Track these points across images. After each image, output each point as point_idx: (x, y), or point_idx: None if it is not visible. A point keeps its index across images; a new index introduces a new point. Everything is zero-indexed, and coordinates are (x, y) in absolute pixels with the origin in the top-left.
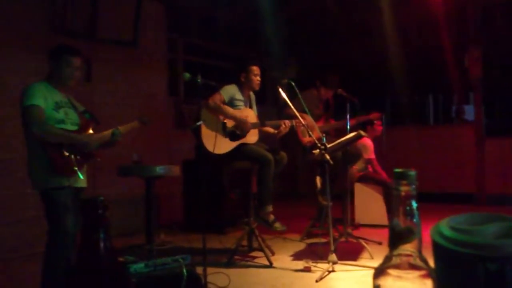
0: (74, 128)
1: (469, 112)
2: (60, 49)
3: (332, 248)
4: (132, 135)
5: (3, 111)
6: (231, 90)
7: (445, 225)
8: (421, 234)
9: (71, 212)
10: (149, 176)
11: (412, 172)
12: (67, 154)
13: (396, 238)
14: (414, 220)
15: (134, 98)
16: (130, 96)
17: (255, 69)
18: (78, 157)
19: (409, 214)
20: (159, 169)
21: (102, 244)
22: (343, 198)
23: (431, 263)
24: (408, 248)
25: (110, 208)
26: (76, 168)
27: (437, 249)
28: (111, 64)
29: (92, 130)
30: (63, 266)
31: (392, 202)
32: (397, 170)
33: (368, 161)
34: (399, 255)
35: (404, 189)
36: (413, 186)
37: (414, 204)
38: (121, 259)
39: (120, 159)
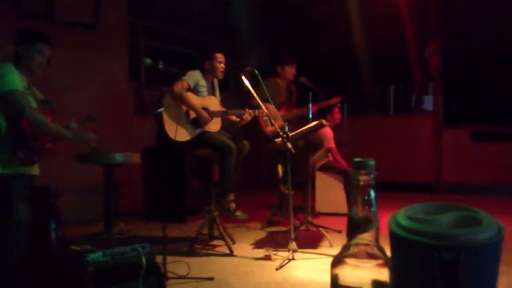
0: None
1: (429, 102)
2: (33, 35)
3: (293, 236)
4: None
5: None
6: (195, 76)
7: (402, 215)
8: (378, 223)
9: (25, 201)
10: (108, 164)
11: (371, 162)
12: (31, 143)
13: (354, 227)
14: (372, 209)
15: (94, 83)
16: (89, 80)
17: (220, 57)
18: (39, 147)
19: (367, 203)
20: (118, 156)
21: (54, 234)
22: (304, 186)
23: (388, 252)
24: (365, 237)
25: (63, 196)
26: (35, 158)
27: (394, 238)
28: (69, 48)
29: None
30: (16, 257)
31: (351, 191)
32: (356, 159)
33: (328, 150)
34: (357, 244)
35: (362, 178)
36: (372, 176)
37: (372, 194)
38: (78, 248)
39: (78, 146)
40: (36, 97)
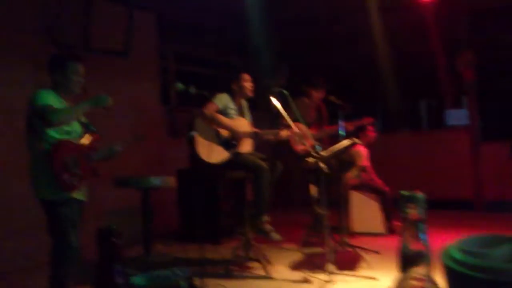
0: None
1: (461, 116)
2: (63, 57)
3: (329, 258)
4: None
5: None
6: (223, 99)
7: (455, 249)
8: (430, 258)
9: (75, 226)
10: (145, 188)
11: (421, 196)
12: (72, 170)
13: (407, 262)
14: (423, 242)
15: (127, 109)
16: (122, 106)
17: (245, 76)
18: (81, 173)
19: (417, 237)
20: (155, 180)
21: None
22: (339, 206)
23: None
24: (418, 271)
25: (102, 219)
26: (76, 184)
27: (450, 273)
28: (104, 74)
29: (96, 143)
30: (69, 281)
31: (388, 210)
32: (404, 193)
33: (362, 168)
34: (411, 278)
35: (411, 212)
36: (421, 209)
37: (422, 227)
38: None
39: (116, 171)
40: (81, 121)
